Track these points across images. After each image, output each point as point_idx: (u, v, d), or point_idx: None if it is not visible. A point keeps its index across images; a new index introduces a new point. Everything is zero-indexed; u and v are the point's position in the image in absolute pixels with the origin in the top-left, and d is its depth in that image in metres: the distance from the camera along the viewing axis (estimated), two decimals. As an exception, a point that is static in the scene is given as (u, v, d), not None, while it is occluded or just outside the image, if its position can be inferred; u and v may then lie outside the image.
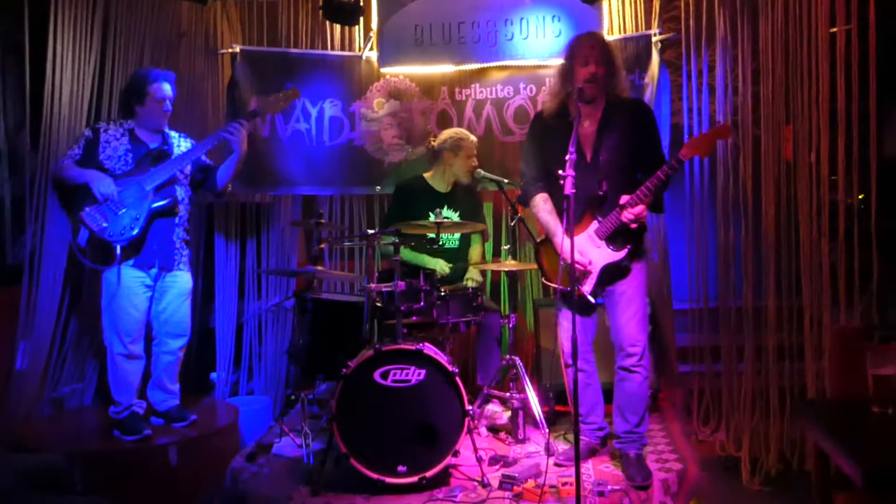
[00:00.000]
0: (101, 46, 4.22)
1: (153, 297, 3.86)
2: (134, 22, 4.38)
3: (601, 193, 3.32)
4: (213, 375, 4.81)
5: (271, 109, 4.26)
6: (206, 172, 4.09)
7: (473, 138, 4.46)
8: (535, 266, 4.24)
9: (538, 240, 3.69)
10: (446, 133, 4.44)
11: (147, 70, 3.95)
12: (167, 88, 3.87)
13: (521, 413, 3.88)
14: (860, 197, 3.35)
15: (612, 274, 3.39)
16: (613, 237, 3.31)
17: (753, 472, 3.55)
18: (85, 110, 4.14)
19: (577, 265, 3.25)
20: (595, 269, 3.34)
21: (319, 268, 4.12)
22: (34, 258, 3.93)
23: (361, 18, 4.66)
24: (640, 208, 3.19)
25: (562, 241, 3.30)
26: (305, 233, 5.22)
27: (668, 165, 3.14)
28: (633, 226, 3.24)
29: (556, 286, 3.33)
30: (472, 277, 4.39)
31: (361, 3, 4.58)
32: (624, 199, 3.22)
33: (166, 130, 3.98)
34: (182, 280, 3.95)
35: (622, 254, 3.31)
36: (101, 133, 3.83)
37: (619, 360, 3.42)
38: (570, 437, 3.50)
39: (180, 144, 4.00)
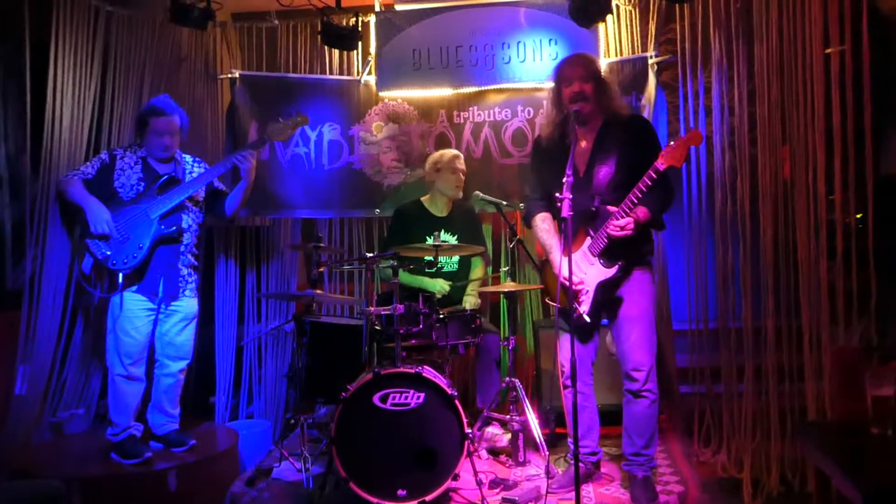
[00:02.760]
0: (101, 72, 4.25)
1: (156, 320, 3.86)
2: (134, 47, 4.41)
3: (593, 209, 3.31)
4: (213, 399, 4.80)
5: (279, 136, 4.12)
6: (215, 199, 4.08)
7: (453, 151, 4.51)
8: (535, 287, 4.26)
9: (542, 259, 3.68)
10: (427, 162, 4.54)
11: (149, 101, 3.96)
12: (163, 122, 3.81)
13: (521, 435, 3.86)
14: (858, 216, 3.36)
15: (611, 296, 3.35)
16: (605, 253, 3.27)
17: (755, 493, 3.52)
18: (85, 135, 4.16)
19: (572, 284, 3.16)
20: (590, 288, 3.31)
21: (319, 291, 4.11)
22: (34, 283, 3.93)
23: (360, 43, 4.70)
24: (626, 220, 3.15)
25: (559, 260, 3.29)
26: (305, 256, 5.22)
27: (646, 176, 3.07)
28: (620, 234, 3.16)
29: (556, 305, 3.22)
30: (469, 301, 4.36)
31: (360, 28, 4.61)
32: (612, 209, 3.20)
33: (180, 156, 3.98)
34: (187, 305, 3.94)
35: (613, 270, 3.27)
36: (117, 160, 3.83)
37: (626, 384, 3.37)
38: (569, 459, 3.48)
39: (193, 170, 3.99)
